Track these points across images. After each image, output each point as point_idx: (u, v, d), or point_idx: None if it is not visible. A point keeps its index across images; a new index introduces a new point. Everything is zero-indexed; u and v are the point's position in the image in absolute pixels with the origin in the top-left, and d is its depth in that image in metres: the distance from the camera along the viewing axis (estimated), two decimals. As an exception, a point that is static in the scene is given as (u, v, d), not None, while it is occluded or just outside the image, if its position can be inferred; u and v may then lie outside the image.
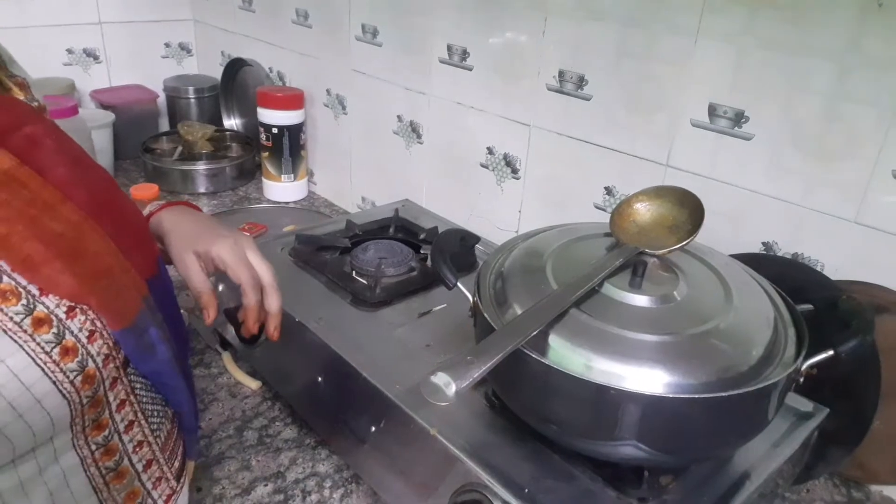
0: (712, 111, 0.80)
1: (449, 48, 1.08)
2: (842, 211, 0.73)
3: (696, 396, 0.50)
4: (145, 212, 0.69)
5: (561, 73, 0.94)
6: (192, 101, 1.64)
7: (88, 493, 0.51)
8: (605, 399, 0.50)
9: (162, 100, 1.67)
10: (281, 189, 1.42)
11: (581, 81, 0.92)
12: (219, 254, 0.65)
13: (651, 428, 0.51)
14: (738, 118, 0.78)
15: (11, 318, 0.44)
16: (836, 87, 0.70)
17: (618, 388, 0.49)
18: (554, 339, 0.53)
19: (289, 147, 1.38)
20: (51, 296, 0.45)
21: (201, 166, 1.44)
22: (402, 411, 0.63)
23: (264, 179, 1.43)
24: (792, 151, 0.75)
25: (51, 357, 0.45)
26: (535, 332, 0.51)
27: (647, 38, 0.83)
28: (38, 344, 0.44)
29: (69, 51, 1.56)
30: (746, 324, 0.56)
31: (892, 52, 0.66)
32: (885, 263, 0.72)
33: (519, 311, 0.57)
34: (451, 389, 0.43)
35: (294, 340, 0.78)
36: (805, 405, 0.69)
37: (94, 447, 0.50)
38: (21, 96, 0.54)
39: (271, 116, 1.35)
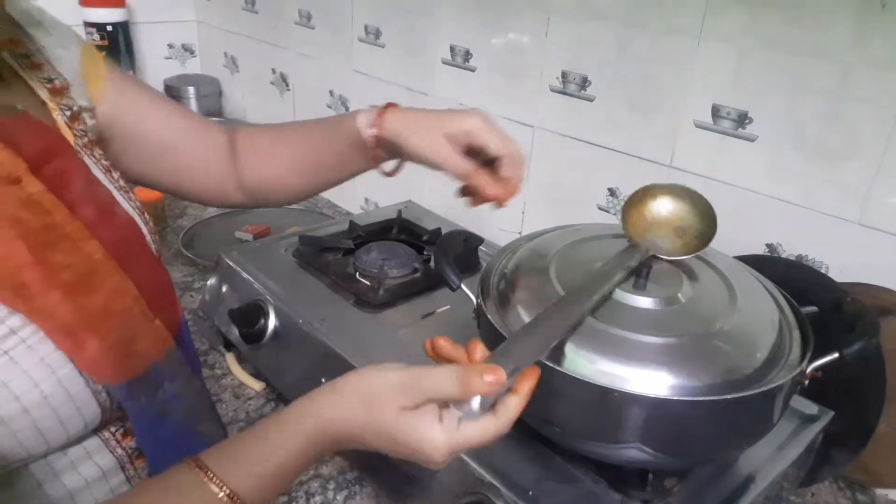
0: (716, 112, 0.80)
1: (452, 49, 1.08)
2: (846, 212, 0.73)
3: (701, 399, 0.50)
4: (366, 125, 0.62)
5: (564, 74, 0.93)
6: (193, 100, 1.64)
7: (116, 469, 0.53)
8: (609, 401, 0.50)
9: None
10: None
11: (584, 82, 0.92)
12: (475, 126, 0.59)
13: (655, 430, 0.51)
14: (742, 119, 0.78)
15: None
16: (840, 88, 0.70)
17: (621, 390, 0.49)
18: (558, 342, 0.53)
19: (124, 43, 1.45)
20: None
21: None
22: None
23: None
24: (795, 153, 0.75)
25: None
26: (555, 343, 0.50)
27: (651, 39, 0.83)
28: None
29: None
30: (750, 326, 0.56)
31: (895, 52, 0.66)
32: (889, 265, 0.72)
33: (523, 313, 0.57)
34: (477, 403, 0.43)
35: (297, 341, 0.79)
36: (810, 408, 0.69)
37: (113, 430, 0.52)
38: (55, 109, 0.54)
39: (103, 15, 1.42)
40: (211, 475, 0.42)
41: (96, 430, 0.51)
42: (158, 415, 0.52)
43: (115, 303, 0.48)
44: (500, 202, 0.60)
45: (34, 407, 0.44)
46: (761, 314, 0.58)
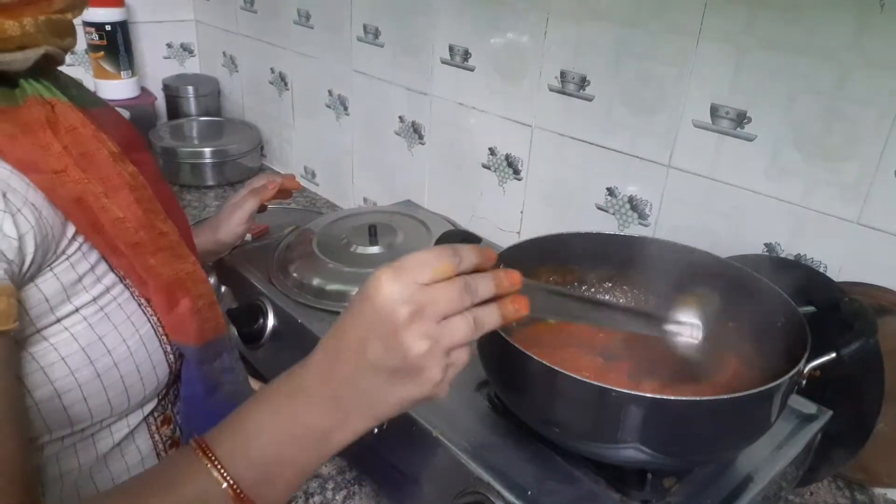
0: (714, 112, 0.80)
1: (451, 48, 1.08)
2: (844, 212, 0.73)
3: (699, 399, 0.50)
4: None
5: (563, 74, 0.93)
6: (191, 100, 1.64)
7: (152, 455, 0.56)
8: (608, 401, 0.50)
9: (161, 100, 1.67)
10: (121, 87, 1.51)
11: (583, 82, 0.92)
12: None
13: (653, 430, 0.51)
14: (741, 119, 0.78)
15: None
16: (838, 88, 0.70)
17: (620, 390, 0.49)
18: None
19: (123, 43, 1.47)
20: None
21: (208, 160, 1.46)
22: (404, 413, 0.63)
23: (98, 80, 1.50)
24: (794, 152, 0.75)
25: (163, 332, 0.52)
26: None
27: (649, 39, 0.83)
28: (157, 319, 0.52)
29: (71, 51, 1.56)
30: None
31: (894, 52, 0.66)
32: (887, 265, 0.72)
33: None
34: None
35: (296, 341, 0.78)
36: (808, 407, 0.69)
37: (156, 414, 0.56)
38: None
39: (101, 14, 1.43)
40: (214, 460, 0.39)
41: (148, 415, 0.54)
42: (211, 385, 0.55)
43: (198, 272, 0.53)
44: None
45: (122, 361, 0.48)
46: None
